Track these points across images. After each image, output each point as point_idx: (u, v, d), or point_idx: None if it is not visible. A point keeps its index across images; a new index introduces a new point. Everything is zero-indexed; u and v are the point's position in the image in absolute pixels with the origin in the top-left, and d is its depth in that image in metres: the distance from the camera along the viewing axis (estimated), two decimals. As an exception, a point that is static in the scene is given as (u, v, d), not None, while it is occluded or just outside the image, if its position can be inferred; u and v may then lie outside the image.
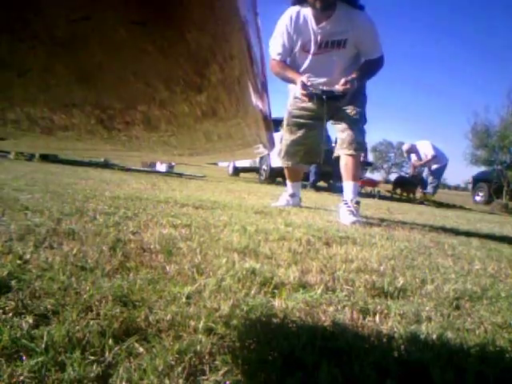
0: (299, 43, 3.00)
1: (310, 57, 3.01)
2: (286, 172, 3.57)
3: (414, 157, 9.54)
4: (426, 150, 9.21)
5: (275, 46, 3.05)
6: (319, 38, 2.95)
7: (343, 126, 3.06)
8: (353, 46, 2.95)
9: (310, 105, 3.10)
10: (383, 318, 1.01)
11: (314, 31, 2.94)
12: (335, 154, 3.13)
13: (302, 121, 3.23)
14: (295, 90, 3.10)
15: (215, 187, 5.23)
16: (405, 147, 9.67)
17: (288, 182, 3.63)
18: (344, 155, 3.01)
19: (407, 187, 9.15)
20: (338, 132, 3.12)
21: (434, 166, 9.18)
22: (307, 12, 2.93)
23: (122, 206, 2.22)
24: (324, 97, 2.86)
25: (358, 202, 3.00)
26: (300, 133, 3.24)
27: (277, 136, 3.29)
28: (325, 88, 2.93)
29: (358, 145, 3.01)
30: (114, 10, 0.24)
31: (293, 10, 2.97)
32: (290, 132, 3.27)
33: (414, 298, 1.22)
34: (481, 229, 3.72)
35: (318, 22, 2.92)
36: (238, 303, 0.97)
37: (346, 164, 3.02)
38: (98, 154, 1.08)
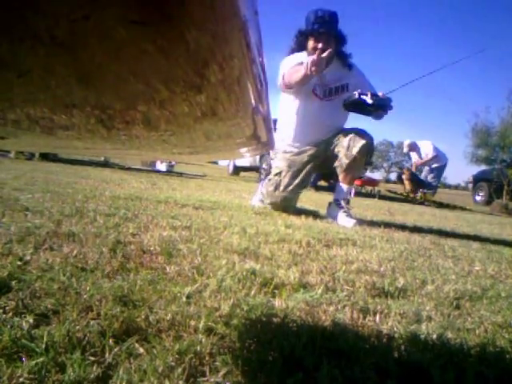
0: (309, 84, 3.00)
1: (318, 101, 3.08)
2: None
3: (414, 155, 9.53)
4: (426, 150, 9.24)
5: (291, 62, 3.01)
6: (324, 83, 3.07)
7: (346, 130, 3.08)
8: (353, 89, 3.01)
9: (305, 148, 3.15)
10: (383, 317, 1.01)
11: (319, 76, 2.96)
12: (341, 169, 3.03)
13: (302, 165, 3.16)
14: (283, 145, 3.20)
15: (215, 186, 5.23)
16: (406, 142, 9.62)
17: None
18: (355, 155, 2.92)
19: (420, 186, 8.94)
20: (343, 140, 3.02)
21: (435, 165, 9.20)
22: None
23: (122, 207, 2.22)
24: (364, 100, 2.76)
25: (348, 201, 3.06)
26: (302, 175, 3.16)
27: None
28: (359, 92, 2.83)
29: (370, 136, 2.98)
30: (114, 10, 0.24)
31: (297, 55, 3.08)
32: (292, 177, 3.13)
33: (414, 298, 1.22)
34: (481, 230, 3.72)
35: None
36: (238, 303, 0.98)
37: (350, 165, 2.96)
38: (97, 152, 1.08)
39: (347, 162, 2.96)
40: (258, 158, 9.25)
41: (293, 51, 3.13)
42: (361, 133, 2.99)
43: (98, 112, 0.42)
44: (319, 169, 3.39)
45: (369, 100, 2.74)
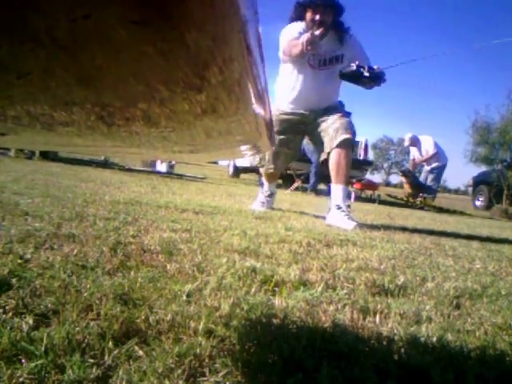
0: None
1: (312, 70, 3.24)
2: (264, 175, 3.62)
3: (414, 151, 9.50)
4: (427, 146, 9.17)
5: (291, 33, 3.13)
6: (319, 53, 3.17)
7: (334, 117, 3.14)
8: (347, 61, 3.14)
9: (296, 111, 3.31)
10: (383, 318, 1.01)
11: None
12: (324, 155, 3.13)
13: (289, 125, 3.32)
14: (279, 103, 3.37)
15: (215, 190, 5.22)
16: (408, 136, 9.52)
17: (265, 183, 3.65)
18: (337, 148, 3.00)
19: (420, 190, 8.88)
20: (328, 127, 3.12)
21: (434, 164, 9.15)
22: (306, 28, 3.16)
23: (122, 211, 2.22)
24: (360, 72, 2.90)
25: (349, 205, 3.08)
26: (286, 136, 3.31)
27: None
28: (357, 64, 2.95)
29: (353, 131, 3.11)
30: (114, 9, 0.24)
31: (296, 25, 3.19)
32: (278, 133, 3.26)
33: (414, 297, 1.22)
34: (481, 233, 3.71)
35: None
36: (238, 302, 0.98)
37: (338, 162, 2.99)
38: (98, 150, 1.09)
39: (329, 151, 3.05)
40: (258, 158, 9.22)
41: (292, 21, 3.24)
42: (345, 126, 3.06)
43: (98, 109, 0.42)
44: (306, 136, 3.50)
45: (366, 73, 2.88)
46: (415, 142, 9.37)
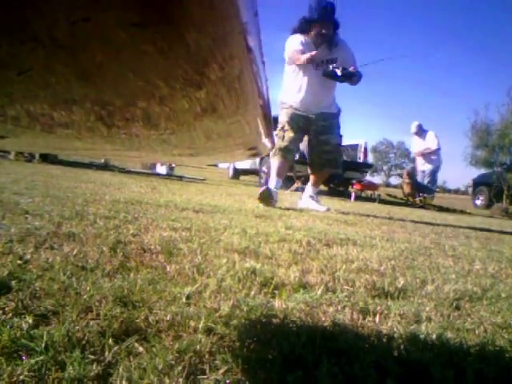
0: None
1: (313, 71, 3.95)
2: (277, 167, 4.03)
3: (417, 141, 9.58)
4: (431, 140, 9.38)
5: (294, 45, 3.93)
6: (318, 58, 3.94)
7: (332, 143, 4.00)
8: (341, 62, 3.89)
9: (305, 114, 3.98)
10: (383, 318, 1.01)
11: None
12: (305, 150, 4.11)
13: (301, 125, 3.98)
14: (291, 101, 4.03)
15: (215, 191, 5.22)
16: (415, 123, 9.67)
17: (273, 178, 4.04)
18: (322, 171, 4.13)
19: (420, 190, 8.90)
20: (325, 147, 3.96)
21: (434, 157, 9.27)
22: (307, 39, 4.00)
23: (122, 210, 2.22)
24: (335, 70, 3.74)
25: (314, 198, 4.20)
26: (298, 134, 3.97)
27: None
28: (335, 65, 3.79)
29: (338, 165, 4.12)
30: (114, 12, 0.24)
31: (298, 36, 3.97)
32: (293, 130, 3.92)
33: (414, 299, 1.22)
34: (481, 231, 3.71)
35: (316, 46, 4.02)
36: (238, 303, 0.97)
37: (319, 178, 4.20)
38: (97, 153, 1.09)
39: (314, 167, 4.15)
40: (257, 160, 9.21)
41: (295, 32, 4.00)
42: (335, 165, 4.04)
43: (97, 108, 0.42)
44: (306, 135, 4.13)
45: (339, 72, 3.75)
46: (421, 131, 9.54)
